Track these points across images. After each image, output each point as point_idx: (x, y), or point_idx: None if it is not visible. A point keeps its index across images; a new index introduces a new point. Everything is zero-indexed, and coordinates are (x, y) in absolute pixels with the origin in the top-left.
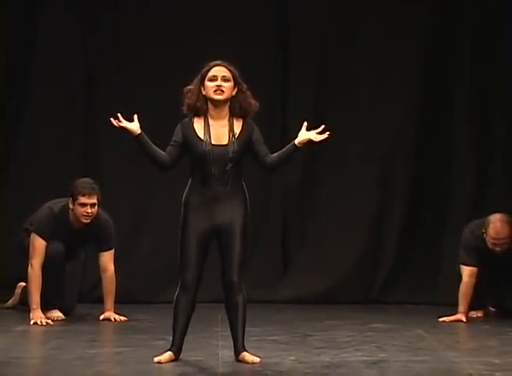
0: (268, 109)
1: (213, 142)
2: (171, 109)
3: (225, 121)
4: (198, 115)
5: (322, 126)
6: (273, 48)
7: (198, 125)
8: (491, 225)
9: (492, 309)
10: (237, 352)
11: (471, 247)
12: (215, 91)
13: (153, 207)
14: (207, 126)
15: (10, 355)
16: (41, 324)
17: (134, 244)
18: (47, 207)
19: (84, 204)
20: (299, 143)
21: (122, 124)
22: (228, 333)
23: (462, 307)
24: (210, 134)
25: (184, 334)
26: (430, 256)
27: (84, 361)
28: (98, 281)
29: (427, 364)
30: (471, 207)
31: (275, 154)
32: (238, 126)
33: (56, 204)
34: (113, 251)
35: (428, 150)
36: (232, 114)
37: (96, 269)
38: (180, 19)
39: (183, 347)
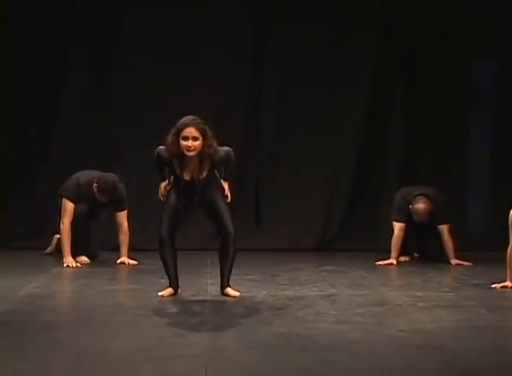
0: (243, 119)
1: (185, 178)
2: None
3: (197, 161)
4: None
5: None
6: (250, 68)
7: (175, 161)
8: (416, 214)
9: (416, 255)
10: (222, 288)
11: (401, 208)
12: (187, 149)
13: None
14: (182, 164)
15: (49, 289)
16: (72, 267)
17: (142, 207)
18: (75, 178)
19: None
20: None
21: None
22: (215, 273)
23: (393, 253)
24: (183, 171)
25: (176, 273)
26: (370, 215)
27: (105, 294)
28: (115, 234)
29: (367, 297)
30: (402, 177)
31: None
32: (207, 164)
33: (84, 175)
34: (126, 211)
35: (369, 140)
36: (202, 156)
37: (114, 225)
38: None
39: (180, 284)
